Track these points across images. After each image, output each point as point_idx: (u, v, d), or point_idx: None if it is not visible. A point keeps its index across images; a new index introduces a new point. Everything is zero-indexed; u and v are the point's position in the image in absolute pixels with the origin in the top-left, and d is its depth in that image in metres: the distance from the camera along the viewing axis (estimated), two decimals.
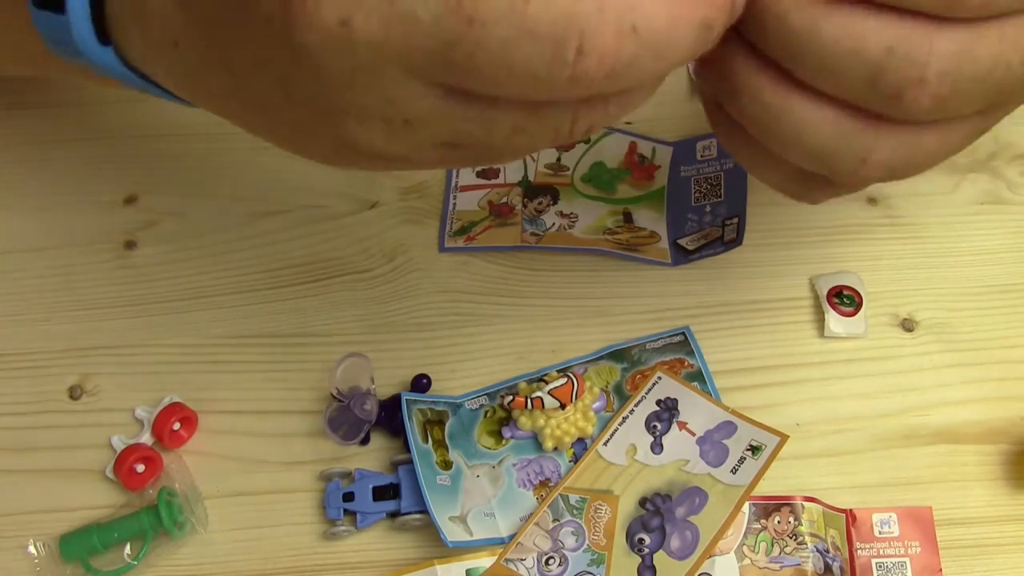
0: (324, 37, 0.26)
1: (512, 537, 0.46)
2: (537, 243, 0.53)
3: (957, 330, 0.51)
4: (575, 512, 0.46)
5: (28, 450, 0.50)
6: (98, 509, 0.48)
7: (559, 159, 0.56)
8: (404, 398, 0.48)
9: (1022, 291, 0.52)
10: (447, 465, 0.48)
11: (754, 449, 0.47)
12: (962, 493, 0.47)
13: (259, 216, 0.55)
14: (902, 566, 0.45)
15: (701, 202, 0.54)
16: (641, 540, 0.45)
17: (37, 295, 0.53)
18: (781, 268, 0.53)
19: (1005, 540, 0.46)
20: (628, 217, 0.55)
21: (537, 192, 0.55)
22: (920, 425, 0.49)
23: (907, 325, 0.51)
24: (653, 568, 0.44)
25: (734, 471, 0.46)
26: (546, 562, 0.45)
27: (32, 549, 0.47)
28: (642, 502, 0.46)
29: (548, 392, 0.47)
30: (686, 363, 0.50)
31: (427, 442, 0.48)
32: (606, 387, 0.50)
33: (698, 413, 0.48)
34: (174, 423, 0.49)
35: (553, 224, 0.54)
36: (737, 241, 0.53)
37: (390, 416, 0.48)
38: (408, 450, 0.47)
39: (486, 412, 0.49)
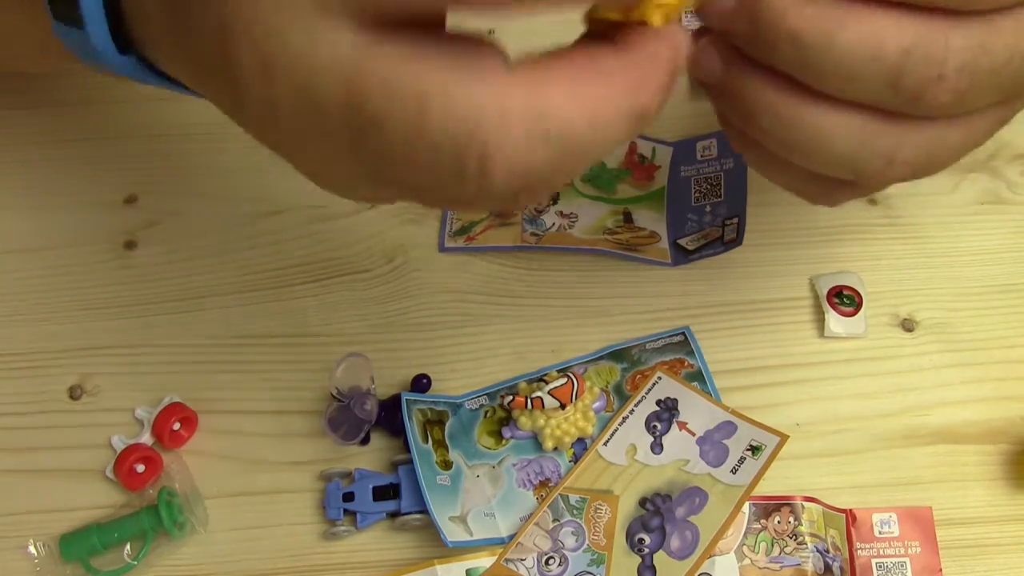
0: None
1: (512, 537, 0.46)
2: (537, 243, 0.53)
3: (957, 330, 0.51)
4: (575, 512, 0.46)
5: (28, 450, 0.50)
6: (98, 509, 0.48)
7: None
8: (404, 398, 0.48)
9: (1022, 291, 0.52)
10: (447, 465, 0.48)
11: (754, 449, 0.47)
12: (962, 493, 0.47)
13: (259, 216, 0.55)
14: (902, 566, 0.45)
15: (701, 202, 0.54)
16: (641, 540, 0.45)
17: (37, 295, 0.53)
18: (781, 268, 0.53)
19: (1005, 540, 0.46)
20: (628, 217, 0.55)
21: None
22: (920, 425, 0.49)
23: (907, 325, 0.51)
24: (653, 568, 0.44)
25: (734, 471, 0.46)
26: (546, 562, 0.45)
27: (32, 549, 0.47)
28: (642, 502, 0.46)
29: (548, 392, 0.47)
30: (686, 363, 0.50)
31: (427, 442, 0.48)
32: (606, 387, 0.50)
33: (698, 413, 0.48)
34: (174, 423, 0.49)
35: (553, 224, 0.54)
36: (737, 241, 0.53)
37: (390, 416, 0.48)
38: (408, 450, 0.47)
39: (486, 412, 0.49)
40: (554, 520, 0.46)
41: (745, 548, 0.45)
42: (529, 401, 0.47)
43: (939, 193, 0.55)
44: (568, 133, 0.25)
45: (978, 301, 0.52)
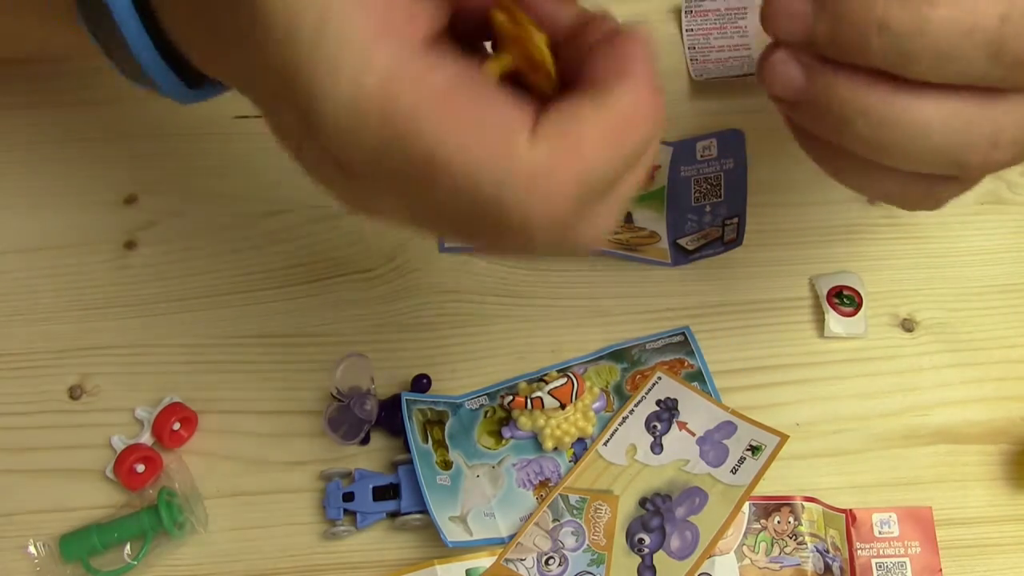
0: None
1: (512, 537, 0.46)
2: None
3: (957, 330, 0.51)
4: (575, 512, 0.46)
5: (28, 450, 0.50)
6: (98, 509, 0.48)
7: None
8: (404, 398, 0.48)
9: (1022, 291, 0.52)
10: (447, 465, 0.48)
11: (754, 449, 0.47)
12: (962, 493, 0.47)
13: (259, 216, 0.55)
14: (902, 566, 0.45)
15: (701, 202, 0.54)
16: (641, 540, 0.45)
17: (37, 295, 0.53)
18: (781, 268, 0.53)
19: (1005, 540, 0.47)
20: (628, 217, 0.54)
21: None
22: (920, 425, 0.49)
23: (907, 325, 0.51)
24: (653, 568, 0.44)
25: (734, 471, 0.46)
26: (546, 562, 0.45)
27: (32, 549, 0.47)
28: (642, 502, 0.46)
29: (548, 392, 0.47)
30: (686, 363, 0.50)
31: (427, 442, 0.48)
32: (606, 387, 0.50)
33: (698, 413, 0.48)
34: (174, 423, 0.49)
35: None
36: (737, 241, 0.53)
37: (390, 416, 0.48)
38: (408, 450, 0.47)
39: (486, 412, 0.49)
40: (554, 520, 0.46)
41: (745, 548, 0.45)
42: (529, 401, 0.47)
43: None
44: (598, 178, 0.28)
45: (978, 301, 0.52)
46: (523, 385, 0.49)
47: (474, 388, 0.50)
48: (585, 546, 0.45)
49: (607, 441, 0.48)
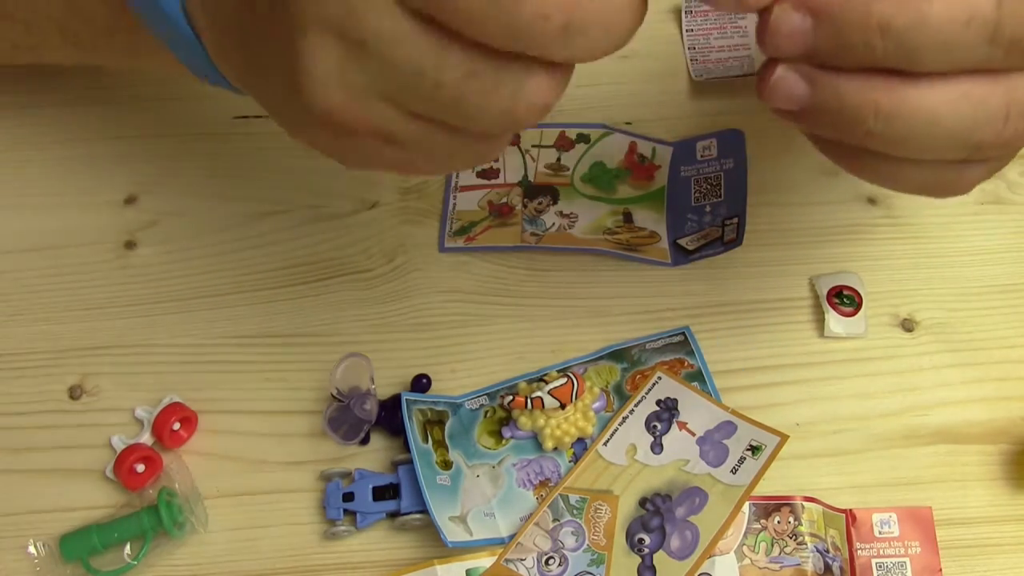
0: None
1: (512, 537, 0.46)
2: (537, 243, 0.53)
3: (957, 330, 0.51)
4: (575, 512, 0.46)
5: (28, 450, 0.50)
6: (98, 509, 0.48)
7: (559, 159, 0.56)
8: (404, 398, 0.48)
9: (1022, 291, 0.52)
10: (447, 465, 0.48)
11: (754, 449, 0.47)
12: (962, 493, 0.47)
13: (259, 216, 0.55)
14: (902, 566, 0.45)
15: (701, 202, 0.54)
16: (641, 540, 0.45)
17: (37, 295, 0.53)
18: (781, 268, 0.53)
19: (1005, 540, 0.46)
20: (628, 217, 0.55)
21: (537, 192, 0.55)
22: (920, 425, 0.49)
23: (907, 325, 0.51)
24: (653, 568, 0.44)
25: (734, 471, 0.46)
26: (546, 562, 0.45)
27: (32, 549, 0.47)
28: (642, 502, 0.46)
29: (548, 392, 0.47)
30: (686, 363, 0.50)
31: (427, 442, 0.48)
32: (606, 387, 0.50)
33: (698, 413, 0.48)
34: (174, 423, 0.49)
35: (553, 224, 0.54)
36: (737, 241, 0.53)
37: (390, 416, 0.48)
38: (408, 450, 0.47)
39: (486, 412, 0.49)
40: (554, 520, 0.46)
41: (745, 548, 0.45)
42: (529, 401, 0.47)
43: None
44: None
45: (978, 301, 0.52)
46: (523, 385, 0.49)
47: (474, 388, 0.50)
48: (585, 546, 0.45)
49: (607, 441, 0.48)
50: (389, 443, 0.49)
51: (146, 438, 0.49)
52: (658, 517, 0.45)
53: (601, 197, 0.55)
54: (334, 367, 0.48)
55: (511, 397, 0.48)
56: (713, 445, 0.47)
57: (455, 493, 0.47)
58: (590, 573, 0.44)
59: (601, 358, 0.51)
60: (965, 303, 0.52)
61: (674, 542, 0.45)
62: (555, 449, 0.48)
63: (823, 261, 0.53)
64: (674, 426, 0.48)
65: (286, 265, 0.54)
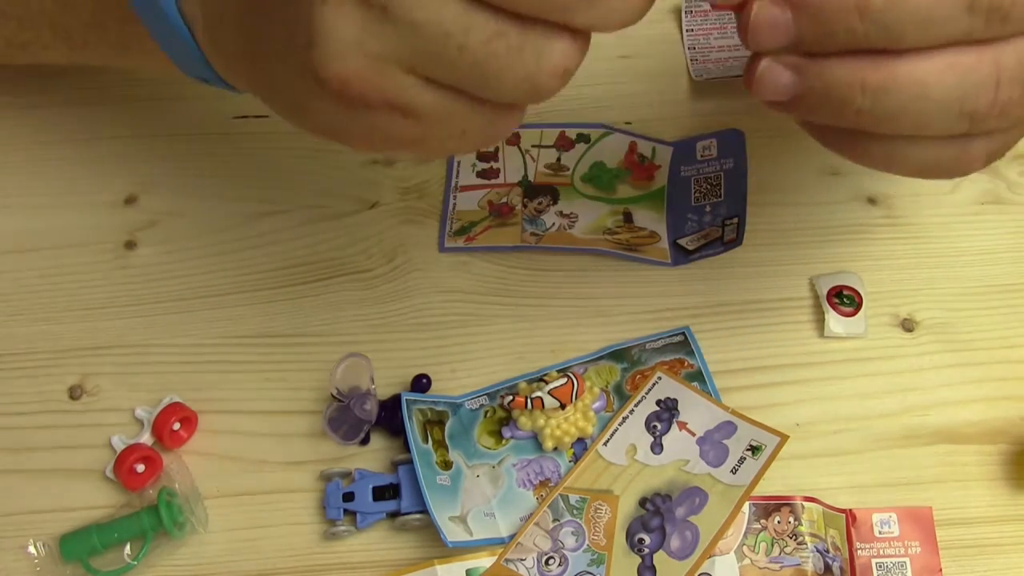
0: None
1: (512, 537, 0.46)
2: (537, 243, 0.53)
3: (957, 330, 0.51)
4: (575, 512, 0.46)
5: (28, 450, 0.50)
6: (98, 509, 0.48)
7: (559, 159, 0.56)
8: (404, 398, 0.48)
9: (1022, 291, 0.52)
10: (447, 465, 0.48)
11: (754, 449, 0.47)
12: (962, 493, 0.47)
13: (259, 216, 0.55)
14: (902, 566, 0.45)
15: (701, 202, 0.54)
16: (641, 540, 0.45)
17: (37, 295, 0.53)
18: (781, 268, 0.53)
19: (1005, 540, 0.46)
20: (628, 217, 0.55)
21: (537, 192, 0.55)
22: (920, 425, 0.49)
23: (907, 325, 0.51)
24: (653, 568, 0.44)
25: (734, 471, 0.46)
26: (546, 562, 0.45)
27: (32, 549, 0.47)
28: (642, 502, 0.46)
29: (548, 392, 0.47)
30: (686, 363, 0.50)
31: (427, 442, 0.48)
32: (606, 387, 0.50)
33: (698, 413, 0.48)
34: (174, 423, 0.49)
35: (553, 224, 0.54)
36: (737, 241, 0.53)
37: (390, 416, 0.48)
38: (408, 450, 0.47)
39: (486, 412, 0.49)
40: (554, 520, 0.46)
41: (745, 548, 0.45)
42: (529, 401, 0.47)
43: (939, 193, 0.54)
44: None
45: (978, 301, 0.52)
46: (523, 385, 0.49)
47: (474, 388, 0.50)
48: (585, 546, 0.45)
49: (607, 441, 0.48)
50: (389, 443, 0.49)
51: (146, 438, 0.49)
52: (658, 517, 0.45)
53: (601, 197, 0.55)
54: (334, 367, 0.48)
55: (511, 397, 0.48)
56: (713, 445, 0.47)
57: (455, 493, 0.47)
58: (590, 573, 0.44)
59: (601, 358, 0.51)
60: (965, 303, 0.52)
61: (674, 542, 0.45)
62: (555, 449, 0.48)
63: (823, 261, 0.53)
64: (674, 426, 0.48)
65: (286, 265, 0.54)
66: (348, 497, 0.47)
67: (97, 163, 0.57)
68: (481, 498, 0.47)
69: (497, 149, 0.57)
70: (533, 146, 0.57)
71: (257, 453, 0.49)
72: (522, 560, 0.45)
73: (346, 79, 0.30)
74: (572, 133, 0.57)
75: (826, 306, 0.51)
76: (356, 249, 0.54)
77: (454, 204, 0.55)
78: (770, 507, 0.46)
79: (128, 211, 0.56)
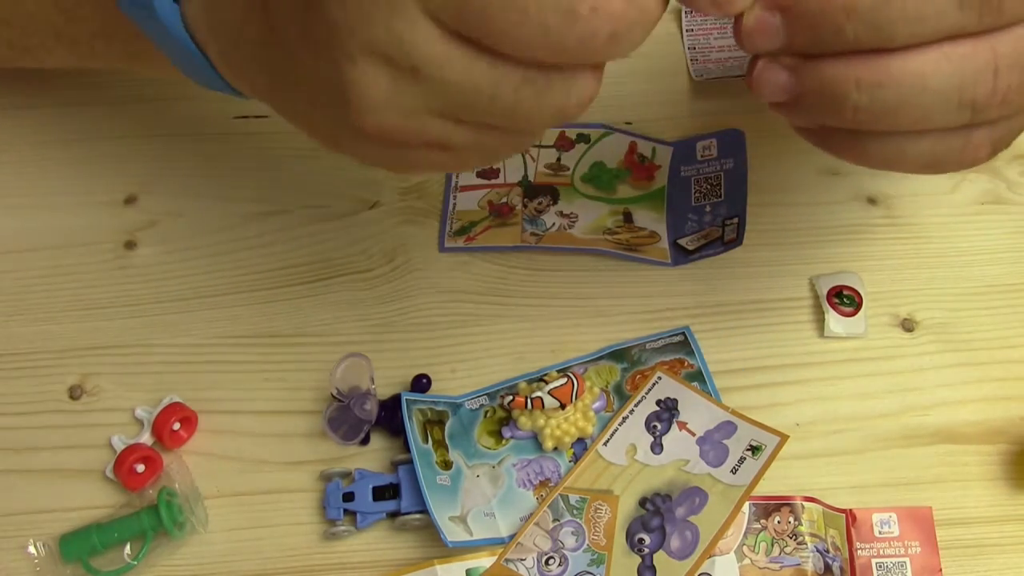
0: None
1: (512, 537, 0.46)
2: (537, 243, 0.53)
3: (957, 330, 0.51)
4: (575, 512, 0.46)
5: (28, 450, 0.50)
6: (98, 509, 0.48)
7: (559, 159, 0.56)
8: (404, 398, 0.48)
9: (1022, 291, 0.52)
10: (447, 465, 0.48)
11: (754, 449, 0.47)
12: (962, 493, 0.47)
13: (259, 216, 0.55)
14: (902, 566, 0.45)
15: (701, 202, 0.54)
16: (641, 540, 0.45)
17: (37, 295, 0.53)
18: (781, 268, 0.53)
19: (1005, 540, 0.46)
20: (628, 217, 0.55)
21: (537, 192, 0.55)
22: (920, 425, 0.49)
23: (907, 325, 0.51)
24: (653, 568, 0.44)
25: (734, 471, 0.46)
26: (546, 562, 0.45)
27: (32, 549, 0.47)
28: (642, 502, 0.46)
29: (548, 392, 0.47)
30: (686, 363, 0.50)
31: (427, 442, 0.48)
32: (606, 387, 0.50)
33: (698, 413, 0.48)
34: (174, 423, 0.49)
35: (553, 224, 0.54)
36: (737, 241, 0.53)
37: (390, 416, 0.48)
38: (408, 450, 0.47)
39: (486, 412, 0.49)
40: (554, 520, 0.46)
41: (745, 548, 0.45)
42: (529, 401, 0.47)
43: (939, 193, 0.55)
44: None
45: (978, 301, 0.52)
46: (523, 385, 0.49)
47: (474, 388, 0.50)
48: (585, 546, 0.45)
49: (607, 441, 0.48)
50: (389, 443, 0.49)
51: (146, 438, 0.49)
52: (658, 517, 0.45)
53: (601, 197, 0.55)
54: (334, 367, 0.48)
55: (511, 397, 0.48)
56: (713, 445, 0.47)
57: (455, 493, 0.47)
58: (590, 573, 0.44)
59: (601, 358, 0.51)
60: (965, 303, 0.52)
61: (674, 542, 0.45)
62: (555, 449, 0.48)
63: (823, 261, 0.53)
64: (674, 426, 0.48)
65: (286, 265, 0.54)
66: (348, 497, 0.47)
67: (97, 163, 0.57)
68: (481, 498, 0.47)
69: None
70: (533, 146, 0.57)
71: (257, 453, 0.49)
72: (522, 560, 0.45)
73: (383, 130, 0.31)
74: (572, 133, 0.57)
75: (826, 306, 0.51)
76: (356, 249, 0.54)
77: (454, 204, 0.55)
78: (770, 507, 0.46)
79: (128, 211, 0.56)
